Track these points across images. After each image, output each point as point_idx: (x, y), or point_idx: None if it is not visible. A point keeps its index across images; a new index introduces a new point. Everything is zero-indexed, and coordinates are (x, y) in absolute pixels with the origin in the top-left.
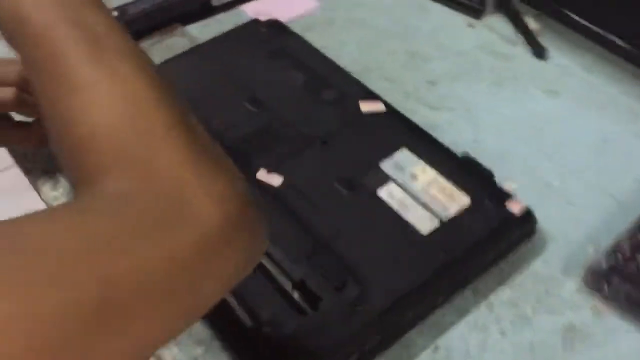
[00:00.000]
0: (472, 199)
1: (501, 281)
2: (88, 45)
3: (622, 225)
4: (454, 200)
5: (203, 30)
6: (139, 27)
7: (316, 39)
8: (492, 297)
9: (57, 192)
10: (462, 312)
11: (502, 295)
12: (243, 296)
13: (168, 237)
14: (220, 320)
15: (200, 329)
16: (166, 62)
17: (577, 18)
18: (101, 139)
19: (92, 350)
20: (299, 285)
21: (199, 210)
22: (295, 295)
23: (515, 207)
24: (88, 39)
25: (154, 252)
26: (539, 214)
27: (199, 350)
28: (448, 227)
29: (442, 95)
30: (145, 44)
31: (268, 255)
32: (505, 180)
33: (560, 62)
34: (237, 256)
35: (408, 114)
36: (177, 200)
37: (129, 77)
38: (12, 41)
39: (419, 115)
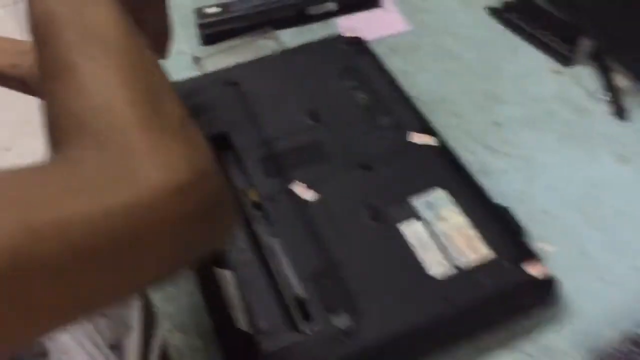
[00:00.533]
0: (494, 254)
1: (506, 344)
2: (77, 34)
3: None
4: (474, 251)
5: (294, 37)
6: (237, 25)
7: (398, 62)
8: (494, 358)
9: None
10: None
11: (504, 359)
12: (248, 301)
13: (102, 196)
14: (221, 318)
15: (207, 322)
16: (249, 63)
17: None
18: (67, 118)
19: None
20: (299, 303)
21: (142, 176)
22: (294, 311)
23: (536, 271)
24: (78, 26)
25: (85, 207)
26: (566, 284)
27: (199, 343)
28: (460, 277)
29: (504, 140)
30: (238, 42)
31: (279, 265)
32: (542, 240)
33: None
34: (181, 230)
35: (464, 153)
36: (123, 167)
37: (108, 64)
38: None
39: (475, 156)
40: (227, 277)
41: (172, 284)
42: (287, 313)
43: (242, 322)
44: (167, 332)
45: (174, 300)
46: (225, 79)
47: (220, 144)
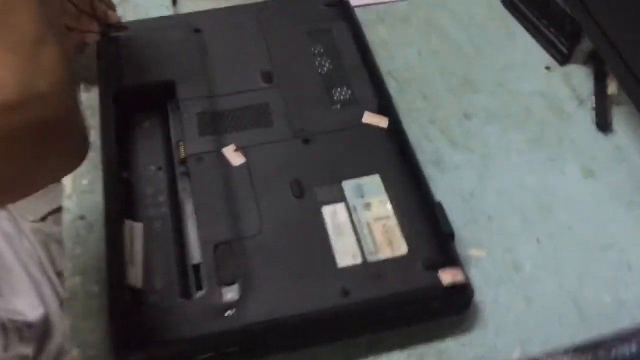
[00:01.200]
0: (409, 252)
1: (403, 345)
2: None
3: (566, 343)
4: (390, 245)
5: None
6: None
7: (382, 32)
8: (384, 358)
9: None
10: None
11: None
12: (148, 257)
13: None
14: (115, 268)
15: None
16: (218, 10)
17: None
18: None
19: None
20: (195, 268)
21: None
22: (190, 275)
23: (450, 277)
24: None
25: None
26: (487, 294)
27: (95, 289)
28: (366, 271)
29: (468, 133)
30: None
31: (188, 226)
32: (476, 245)
33: (619, 142)
34: (7, 149)
35: (421, 140)
36: None
37: None
38: None
39: (432, 145)
40: (134, 229)
41: (85, 228)
42: (181, 277)
43: (134, 277)
44: (67, 274)
45: (83, 244)
46: (190, 24)
47: (166, 91)
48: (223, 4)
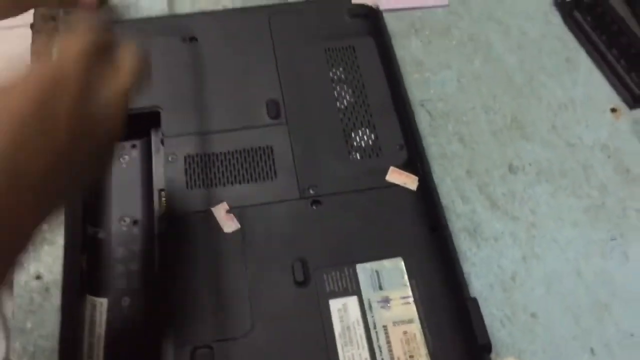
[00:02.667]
0: None
1: None
2: None
3: None
4: None
5: None
6: None
7: (415, 48)
8: None
9: None
10: None
11: None
12: (112, 346)
13: None
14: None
15: None
16: (222, 13)
17: None
18: None
19: None
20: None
21: None
22: None
23: None
24: None
25: None
26: None
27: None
28: None
29: (513, 193)
30: None
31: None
32: (514, 353)
33: None
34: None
35: (457, 201)
36: None
37: None
38: None
39: (469, 208)
40: (98, 308)
41: (40, 293)
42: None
43: None
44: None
45: (35, 314)
46: (185, 30)
47: (149, 121)
48: (226, 0)
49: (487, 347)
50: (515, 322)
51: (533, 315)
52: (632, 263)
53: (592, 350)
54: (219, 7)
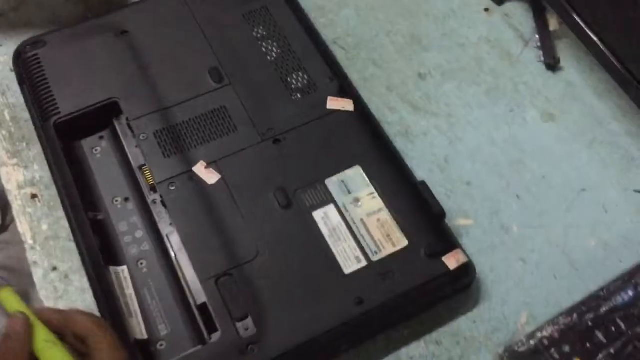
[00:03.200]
0: (410, 243)
1: (419, 333)
2: None
3: (567, 298)
4: (390, 240)
5: None
6: None
7: None
8: (404, 351)
9: None
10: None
11: (415, 351)
12: (145, 303)
13: None
14: (119, 325)
15: None
16: (141, 4)
17: (590, 33)
18: None
19: None
20: (201, 309)
21: None
22: (197, 317)
23: (453, 261)
24: None
25: None
26: (483, 263)
27: None
28: (373, 270)
29: (428, 95)
30: None
31: (179, 260)
32: (462, 214)
33: (570, 77)
34: None
35: (385, 112)
36: None
37: None
38: None
39: (397, 116)
40: (120, 275)
41: (61, 281)
42: (188, 318)
43: (137, 329)
44: None
45: (64, 298)
46: (112, 25)
47: (110, 111)
48: None
49: (442, 214)
50: (456, 192)
51: (468, 183)
52: (530, 124)
53: (517, 196)
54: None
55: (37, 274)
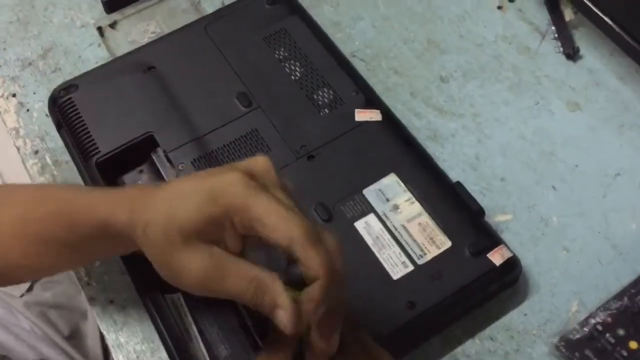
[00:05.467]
0: (453, 244)
1: (472, 331)
2: None
3: (615, 283)
4: (433, 243)
5: None
6: None
7: (328, 13)
8: (459, 350)
9: None
10: None
11: (470, 348)
12: (203, 332)
13: None
14: (179, 351)
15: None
16: (162, 39)
17: (606, 19)
18: None
19: None
20: (258, 321)
21: None
22: (255, 335)
23: (498, 256)
24: None
25: None
26: (527, 256)
27: None
28: (421, 274)
29: (452, 97)
30: (147, 3)
31: None
32: (500, 210)
33: (591, 65)
34: None
35: (411, 118)
36: None
37: None
38: None
39: (422, 120)
40: (177, 301)
41: (119, 313)
42: (245, 337)
43: (199, 354)
44: None
45: (123, 330)
46: (139, 63)
47: (147, 145)
48: (152, 24)
49: (481, 212)
50: (491, 189)
51: (502, 179)
52: (556, 115)
53: (553, 187)
54: (150, 34)
55: (97, 310)
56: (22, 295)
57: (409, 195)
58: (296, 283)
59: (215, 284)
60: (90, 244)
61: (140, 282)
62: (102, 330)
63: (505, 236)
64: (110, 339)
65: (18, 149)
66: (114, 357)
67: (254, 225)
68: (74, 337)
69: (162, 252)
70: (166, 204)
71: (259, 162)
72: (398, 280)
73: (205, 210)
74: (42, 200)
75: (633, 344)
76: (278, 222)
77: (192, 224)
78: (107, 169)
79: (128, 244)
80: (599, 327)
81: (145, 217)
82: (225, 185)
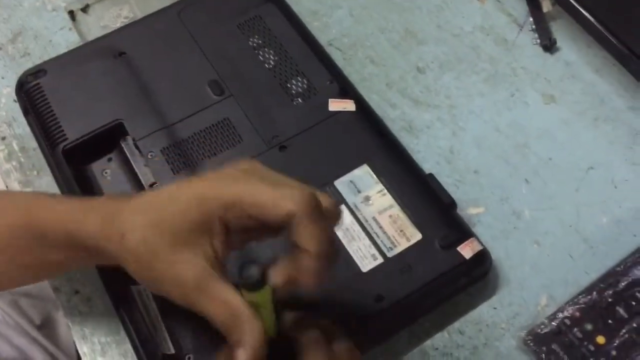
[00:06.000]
0: (424, 236)
1: (441, 325)
2: None
3: (585, 277)
4: (404, 235)
5: None
6: None
7: (308, 1)
8: (428, 343)
9: None
10: (394, 356)
11: (439, 342)
12: (169, 323)
13: None
14: (143, 343)
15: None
16: (134, 24)
17: (584, 12)
18: None
19: None
20: None
21: None
22: None
23: (468, 250)
24: None
25: None
26: (498, 249)
27: None
28: (390, 266)
29: (428, 88)
30: None
31: None
32: (473, 203)
33: (567, 57)
34: None
35: (386, 108)
36: None
37: None
38: None
39: (397, 111)
40: (143, 292)
41: (84, 304)
42: (210, 328)
43: (164, 344)
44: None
45: (88, 321)
46: (109, 48)
47: (116, 133)
48: (126, 10)
49: (453, 204)
50: (464, 181)
51: (476, 172)
52: (532, 107)
53: (526, 180)
54: (123, 19)
55: (61, 299)
56: None
57: (380, 187)
58: (252, 285)
59: (194, 299)
60: (57, 257)
61: (106, 272)
62: (69, 323)
63: (477, 229)
64: (75, 331)
65: None
66: (78, 348)
67: (251, 211)
68: (46, 326)
69: (143, 261)
70: (146, 213)
71: (242, 162)
72: (367, 272)
73: (192, 214)
74: (4, 210)
75: (600, 339)
76: (272, 199)
77: (177, 230)
78: (74, 156)
79: (99, 257)
80: (567, 322)
81: (121, 227)
82: (211, 184)
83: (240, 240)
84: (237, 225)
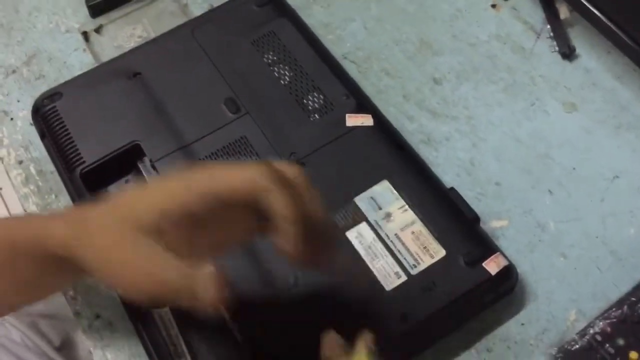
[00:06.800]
0: (448, 253)
1: (468, 343)
2: None
3: (613, 290)
4: (427, 252)
5: None
6: None
7: (319, 14)
8: None
9: None
10: None
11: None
12: (192, 347)
13: None
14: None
15: None
16: (148, 44)
17: (602, 17)
18: None
19: None
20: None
21: None
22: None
23: (494, 266)
24: None
25: None
26: (524, 263)
27: None
28: (414, 284)
29: (445, 99)
30: (133, 6)
31: None
32: (495, 216)
33: (587, 64)
34: None
35: (404, 121)
36: None
37: None
38: None
39: (415, 123)
40: (164, 316)
41: (106, 328)
42: (234, 351)
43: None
44: None
45: (111, 346)
46: (124, 69)
47: (133, 155)
48: (139, 29)
49: (476, 219)
50: (486, 194)
51: (497, 184)
52: (552, 116)
53: (549, 191)
54: (137, 39)
55: (83, 324)
56: None
57: (402, 202)
58: None
59: (148, 277)
60: (32, 272)
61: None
62: (90, 348)
63: (500, 243)
64: (96, 356)
65: (2, 159)
66: None
67: (221, 193)
68: (65, 347)
69: (106, 251)
70: (119, 209)
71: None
72: (391, 291)
73: (161, 206)
74: None
75: (633, 355)
76: (236, 175)
77: (147, 220)
78: (92, 179)
79: (70, 264)
80: (598, 337)
81: (88, 223)
82: (185, 181)
83: (220, 242)
84: (212, 208)
